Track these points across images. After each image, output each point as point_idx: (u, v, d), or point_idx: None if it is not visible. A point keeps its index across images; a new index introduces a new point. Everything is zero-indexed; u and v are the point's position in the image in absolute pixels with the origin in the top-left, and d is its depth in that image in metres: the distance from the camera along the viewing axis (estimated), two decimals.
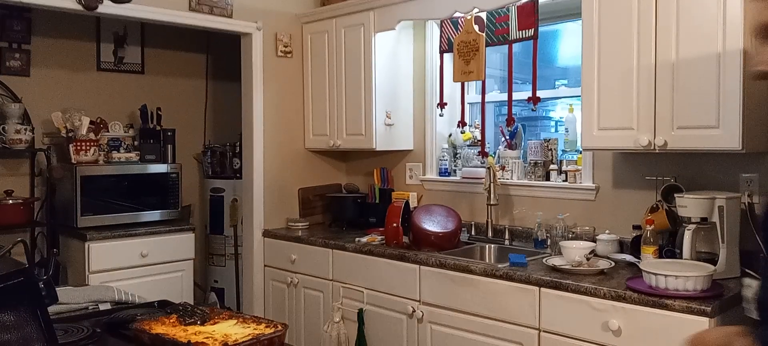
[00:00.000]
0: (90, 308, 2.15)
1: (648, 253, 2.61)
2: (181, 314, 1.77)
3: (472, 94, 3.79)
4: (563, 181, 3.27)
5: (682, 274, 2.22)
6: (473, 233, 3.57)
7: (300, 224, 4.00)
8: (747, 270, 2.50)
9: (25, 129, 3.90)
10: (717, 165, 2.73)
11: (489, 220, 3.45)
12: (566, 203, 3.23)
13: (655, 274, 2.26)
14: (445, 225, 3.28)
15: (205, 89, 5.07)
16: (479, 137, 3.65)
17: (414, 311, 3.06)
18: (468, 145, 3.78)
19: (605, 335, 2.36)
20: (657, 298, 2.23)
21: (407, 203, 3.47)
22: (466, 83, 3.62)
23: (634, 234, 2.85)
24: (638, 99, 2.60)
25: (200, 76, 5.05)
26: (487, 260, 3.31)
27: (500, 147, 3.58)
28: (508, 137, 3.50)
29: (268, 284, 4.03)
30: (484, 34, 3.36)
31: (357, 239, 3.51)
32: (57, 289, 1.81)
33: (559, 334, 2.51)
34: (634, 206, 2.95)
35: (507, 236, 3.40)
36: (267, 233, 4.03)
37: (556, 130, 3.69)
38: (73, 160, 3.97)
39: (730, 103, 2.35)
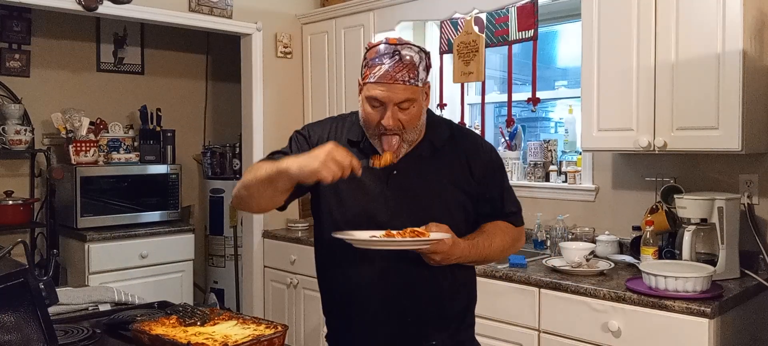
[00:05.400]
0: (90, 308, 2.16)
1: (647, 254, 2.60)
2: (181, 315, 1.77)
3: (472, 95, 3.79)
4: (563, 182, 3.27)
5: (682, 275, 2.22)
6: None
7: (300, 225, 4.00)
8: (746, 271, 2.51)
9: (25, 130, 3.90)
10: (716, 166, 2.73)
11: None
12: (566, 203, 3.23)
13: (655, 275, 2.26)
14: None
15: (205, 90, 5.07)
16: None
17: None
18: None
19: (605, 336, 2.36)
20: (656, 299, 2.23)
21: None
22: (465, 84, 3.62)
23: (634, 235, 2.85)
24: (638, 100, 2.60)
25: (200, 76, 5.05)
26: None
27: (500, 148, 3.58)
28: (507, 138, 3.50)
29: (267, 285, 4.02)
30: (483, 35, 3.36)
31: None
32: (57, 290, 1.81)
33: (558, 335, 2.51)
34: (634, 206, 2.95)
35: None
36: (267, 234, 4.03)
37: (556, 131, 3.69)
38: (72, 161, 3.97)
39: (730, 104, 2.35)
